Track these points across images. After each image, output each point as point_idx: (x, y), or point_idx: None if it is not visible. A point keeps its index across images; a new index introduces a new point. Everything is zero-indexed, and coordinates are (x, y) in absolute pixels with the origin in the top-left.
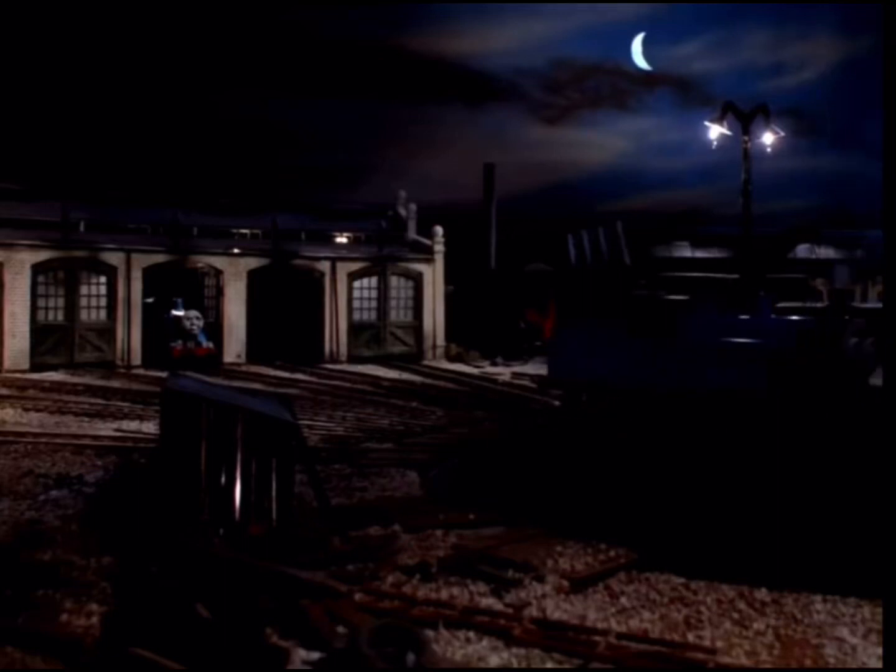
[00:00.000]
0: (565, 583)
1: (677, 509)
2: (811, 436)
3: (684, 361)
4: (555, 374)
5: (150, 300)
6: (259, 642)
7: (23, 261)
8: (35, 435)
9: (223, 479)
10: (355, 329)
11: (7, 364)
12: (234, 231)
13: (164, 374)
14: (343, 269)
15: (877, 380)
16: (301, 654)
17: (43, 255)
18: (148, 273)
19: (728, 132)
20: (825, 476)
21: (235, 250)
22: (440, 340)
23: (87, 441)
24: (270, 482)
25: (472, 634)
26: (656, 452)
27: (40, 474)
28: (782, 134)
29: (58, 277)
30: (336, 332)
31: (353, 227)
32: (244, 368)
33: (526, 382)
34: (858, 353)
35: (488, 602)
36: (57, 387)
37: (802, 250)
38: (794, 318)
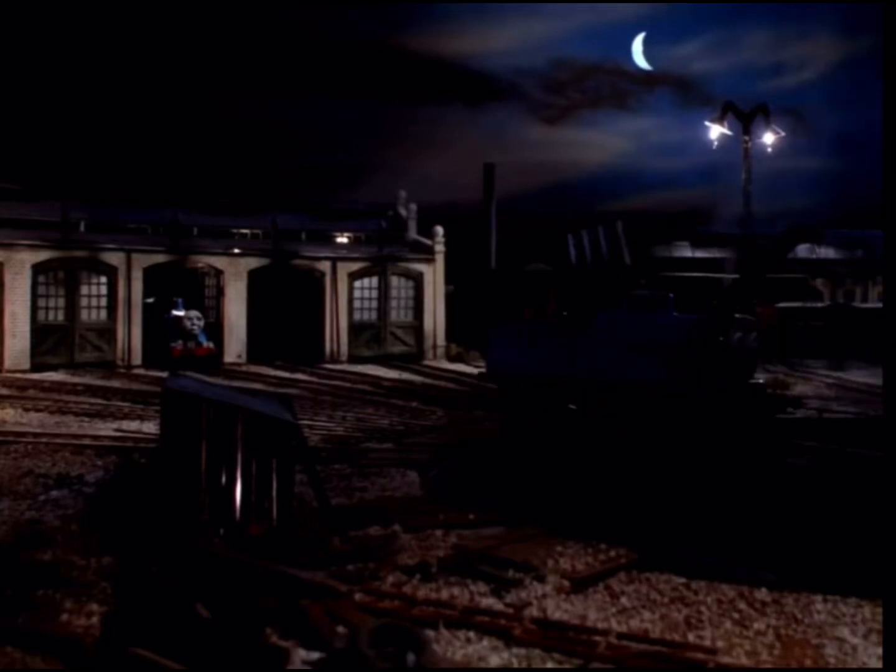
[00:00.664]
0: (566, 583)
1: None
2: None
3: (599, 356)
4: (491, 369)
5: (150, 300)
6: (259, 642)
7: (23, 261)
8: (35, 435)
9: (223, 479)
10: (355, 329)
11: (7, 364)
12: (235, 231)
13: (164, 374)
14: (343, 269)
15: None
16: (301, 654)
17: (43, 255)
18: (148, 273)
19: (728, 132)
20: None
21: (236, 250)
22: (440, 340)
23: (87, 441)
24: (270, 482)
25: (472, 634)
26: (653, 451)
27: (40, 474)
28: (782, 134)
29: (58, 277)
30: (336, 332)
31: (354, 227)
32: (244, 368)
33: None
34: (742, 346)
35: (488, 602)
36: (57, 387)
37: (802, 250)
38: (692, 316)
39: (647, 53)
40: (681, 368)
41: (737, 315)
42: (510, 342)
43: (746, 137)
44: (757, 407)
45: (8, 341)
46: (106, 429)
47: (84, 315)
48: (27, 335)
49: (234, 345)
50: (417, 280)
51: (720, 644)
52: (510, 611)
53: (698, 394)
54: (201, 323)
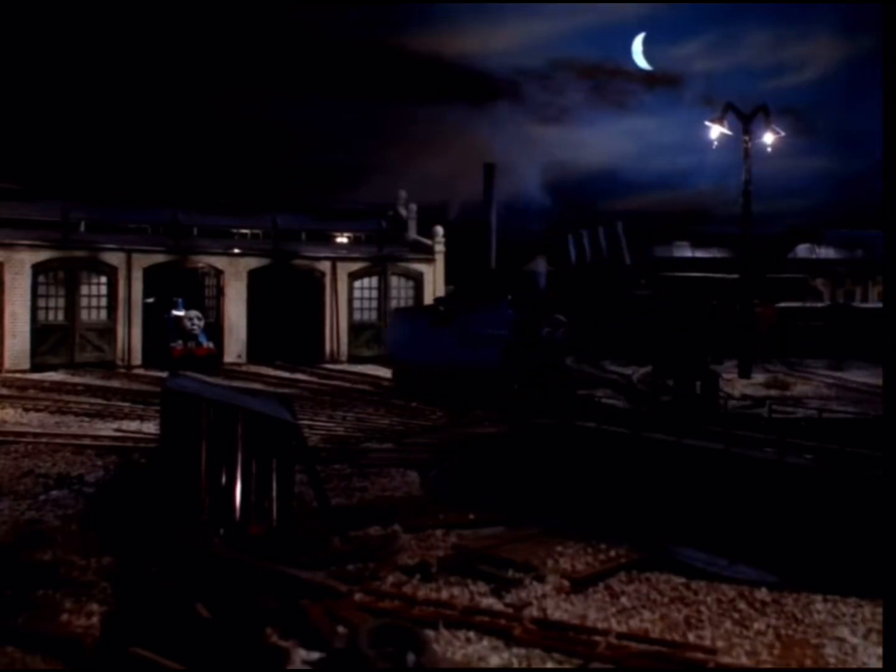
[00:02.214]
0: (566, 583)
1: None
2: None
3: (456, 345)
4: (388, 354)
5: (150, 300)
6: (259, 642)
7: (23, 261)
8: (35, 435)
9: (223, 479)
10: (355, 329)
11: (7, 364)
12: (235, 231)
13: (164, 374)
14: (343, 269)
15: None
16: (301, 654)
17: (43, 255)
18: (148, 273)
19: (728, 132)
20: None
21: (236, 250)
22: None
23: (87, 441)
24: (270, 482)
25: (472, 634)
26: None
27: (40, 474)
28: (782, 134)
29: (58, 277)
30: (336, 332)
31: (354, 227)
32: (244, 368)
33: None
34: (550, 338)
35: (488, 602)
36: (57, 387)
37: (802, 250)
38: (515, 314)
39: (647, 53)
40: (509, 356)
41: (552, 315)
42: (402, 331)
43: (746, 137)
44: (563, 384)
45: (8, 341)
46: (106, 429)
47: (84, 315)
48: (27, 335)
49: (234, 345)
50: (417, 280)
51: (720, 644)
52: (510, 611)
53: (520, 374)
54: (201, 323)
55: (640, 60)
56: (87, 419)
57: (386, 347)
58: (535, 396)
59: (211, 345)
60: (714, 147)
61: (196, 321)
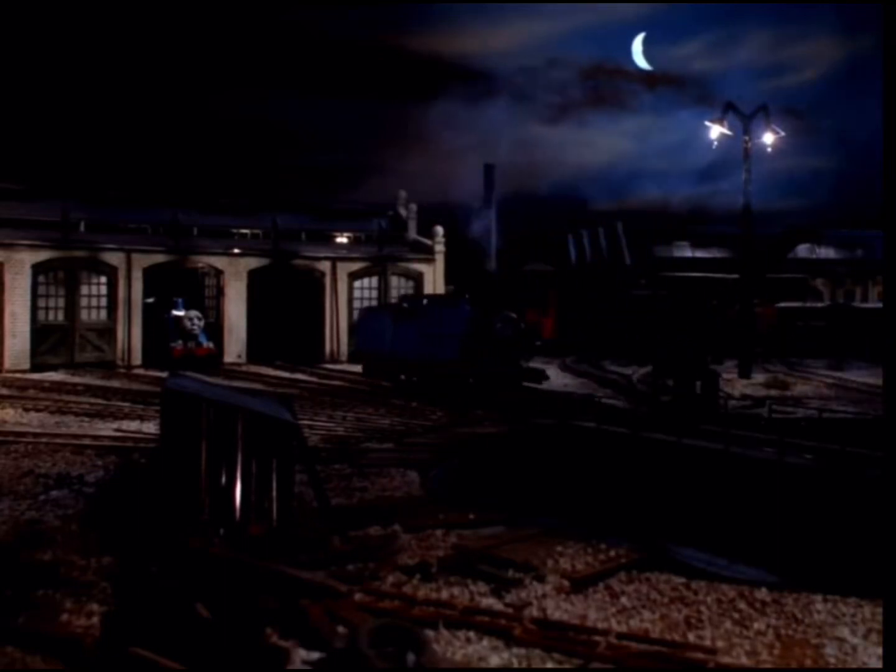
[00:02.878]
0: (566, 583)
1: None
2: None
3: (420, 339)
4: (357, 348)
5: (150, 300)
6: (259, 642)
7: (23, 261)
8: (35, 435)
9: (223, 479)
10: (356, 329)
11: (7, 364)
12: (234, 231)
13: (164, 374)
14: (343, 269)
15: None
16: (301, 654)
17: (43, 255)
18: (148, 273)
19: (728, 132)
20: None
21: (236, 250)
22: None
23: (87, 441)
24: (270, 482)
25: (472, 634)
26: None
27: (40, 474)
28: (782, 134)
29: (58, 277)
30: (336, 332)
31: (354, 227)
32: (244, 368)
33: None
34: (503, 333)
35: (488, 602)
36: (57, 387)
37: (802, 250)
38: (470, 310)
39: (647, 53)
40: (466, 349)
41: (504, 312)
42: (370, 328)
43: (746, 137)
44: (514, 375)
45: (8, 341)
46: (106, 429)
47: (84, 315)
48: (27, 335)
49: (234, 345)
50: (417, 280)
51: (720, 644)
52: (510, 611)
53: (476, 366)
54: (201, 323)
55: (640, 60)
56: (87, 419)
57: (355, 343)
58: (488, 386)
59: (211, 345)
60: (714, 147)
61: (196, 321)
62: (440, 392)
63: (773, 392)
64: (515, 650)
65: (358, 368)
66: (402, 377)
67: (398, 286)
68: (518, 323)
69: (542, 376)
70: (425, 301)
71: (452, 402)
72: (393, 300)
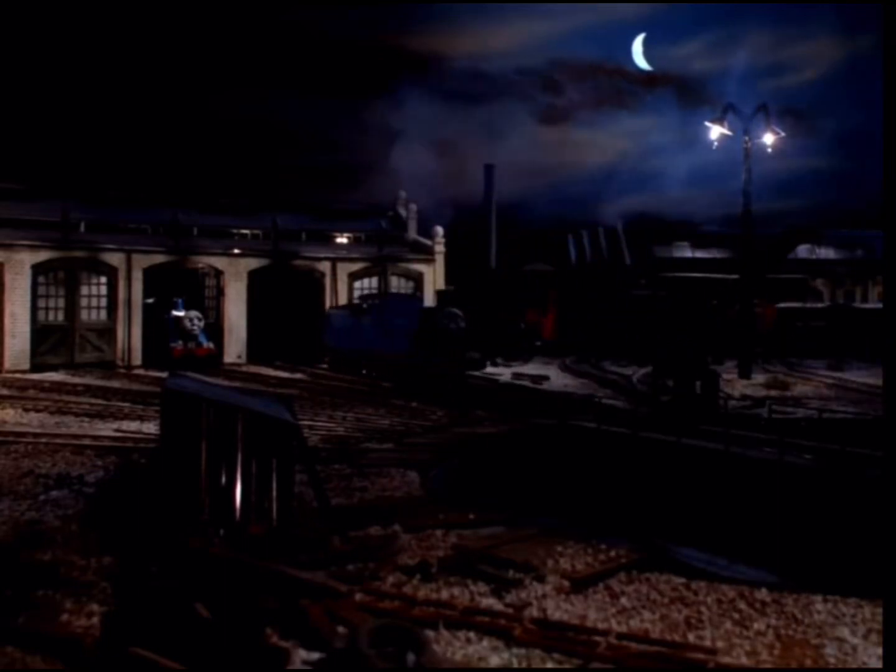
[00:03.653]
0: (566, 583)
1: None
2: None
3: (377, 335)
4: (326, 344)
5: (150, 300)
6: (259, 642)
7: (23, 261)
8: (35, 435)
9: (223, 479)
10: None
11: (7, 364)
12: (234, 231)
13: (164, 375)
14: (343, 269)
15: (473, 353)
16: (301, 654)
17: (43, 256)
18: (148, 273)
19: (728, 132)
20: None
21: (236, 250)
22: None
23: (87, 441)
24: (270, 482)
25: (472, 634)
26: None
27: (40, 474)
28: (782, 134)
29: (58, 278)
30: None
31: (354, 228)
32: (244, 368)
33: (526, 382)
34: (447, 327)
35: (489, 602)
36: (57, 387)
37: (802, 250)
38: (422, 307)
39: (647, 53)
40: (416, 342)
41: (449, 309)
42: (334, 325)
43: (746, 138)
44: (458, 366)
45: (8, 341)
46: (106, 429)
47: (84, 315)
48: (27, 335)
49: (234, 345)
50: (417, 280)
51: (720, 644)
52: (510, 611)
53: (425, 357)
54: (201, 323)
55: (640, 60)
56: (87, 419)
57: (323, 340)
58: (434, 374)
59: (211, 345)
60: (714, 147)
61: (196, 321)
62: (394, 380)
63: (773, 392)
64: (515, 650)
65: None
66: (364, 371)
67: (398, 286)
68: (462, 318)
69: (481, 365)
70: (382, 300)
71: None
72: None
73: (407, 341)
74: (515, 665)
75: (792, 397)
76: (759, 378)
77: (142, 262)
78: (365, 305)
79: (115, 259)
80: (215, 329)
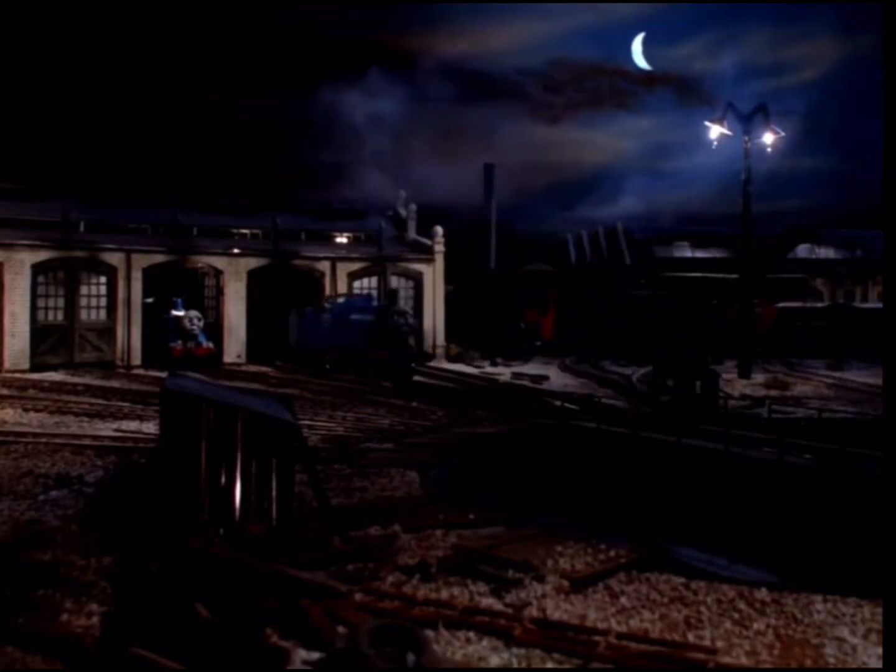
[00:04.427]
0: (565, 583)
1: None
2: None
3: (337, 330)
4: (295, 343)
5: (150, 300)
6: (259, 642)
7: (23, 261)
8: (35, 435)
9: (223, 479)
10: None
11: (7, 364)
12: (234, 231)
13: (164, 374)
14: (343, 269)
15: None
16: (301, 654)
17: (43, 255)
18: (148, 273)
19: (728, 132)
20: None
21: (235, 250)
22: (440, 340)
23: (87, 441)
24: (270, 482)
25: (472, 634)
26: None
27: (40, 474)
28: (782, 134)
29: (58, 277)
30: None
31: (353, 227)
32: (244, 368)
33: (526, 383)
34: (396, 323)
35: (488, 602)
36: (57, 387)
37: (802, 250)
38: (375, 305)
39: (647, 53)
40: (371, 338)
41: (399, 307)
42: (298, 325)
43: (746, 137)
44: (405, 359)
45: (8, 341)
46: (106, 429)
47: (84, 315)
48: (27, 335)
49: (234, 345)
50: (417, 280)
51: (720, 644)
52: (510, 611)
53: (377, 351)
54: (201, 323)
55: (640, 60)
56: (86, 419)
57: (288, 340)
58: (384, 365)
59: (211, 345)
60: (714, 147)
61: (196, 321)
62: (351, 371)
63: (773, 392)
64: (515, 650)
65: None
66: (327, 366)
67: (398, 286)
68: (411, 315)
69: (428, 358)
70: (341, 300)
71: (453, 402)
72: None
73: (362, 336)
74: (515, 665)
75: (792, 397)
76: (758, 378)
77: (141, 261)
78: (328, 305)
79: (114, 259)
80: (215, 329)
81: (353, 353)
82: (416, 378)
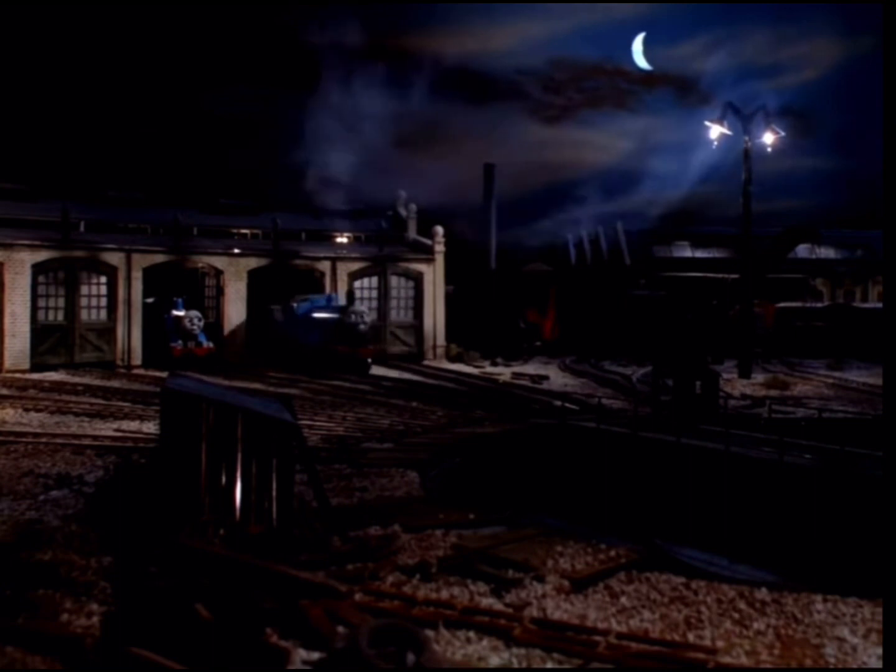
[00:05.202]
0: (566, 583)
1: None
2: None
3: (303, 328)
4: (273, 340)
5: (150, 300)
6: (259, 642)
7: (23, 261)
8: (35, 435)
9: (223, 479)
10: None
11: (7, 364)
12: (234, 231)
13: (164, 374)
14: (343, 269)
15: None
16: (301, 654)
17: (43, 255)
18: (148, 273)
19: (728, 132)
20: None
21: (235, 250)
22: (440, 340)
23: (87, 441)
24: (270, 482)
25: (472, 634)
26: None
27: (40, 474)
28: (782, 134)
29: (58, 277)
30: None
31: (354, 227)
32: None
33: (526, 382)
34: (353, 322)
35: (488, 602)
36: (57, 387)
37: (802, 250)
38: (336, 306)
39: (647, 53)
40: (329, 336)
41: (355, 307)
42: (270, 323)
43: (746, 137)
44: (359, 353)
45: (8, 341)
46: (106, 429)
47: (84, 315)
48: (27, 335)
49: (234, 345)
50: (417, 280)
51: (720, 644)
52: (510, 611)
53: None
54: (201, 323)
55: (640, 60)
56: (87, 419)
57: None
58: (340, 361)
59: (211, 345)
60: (714, 147)
61: (196, 321)
62: (312, 366)
63: (773, 392)
64: (515, 650)
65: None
66: (296, 362)
67: (398, 286)
68: (367, 314)
69: (384, 355)
70: (305, 301)
71: (453, 402)
72: (393, 300)
73: (321, 335)
74: (515, 665)
75: (792, 397)
76: (758, 378)
77: (141, 261)
78: (294, 305)
79: (114, 259)
80: (215, 329)
81: (319, 349)
82: (373, 372)
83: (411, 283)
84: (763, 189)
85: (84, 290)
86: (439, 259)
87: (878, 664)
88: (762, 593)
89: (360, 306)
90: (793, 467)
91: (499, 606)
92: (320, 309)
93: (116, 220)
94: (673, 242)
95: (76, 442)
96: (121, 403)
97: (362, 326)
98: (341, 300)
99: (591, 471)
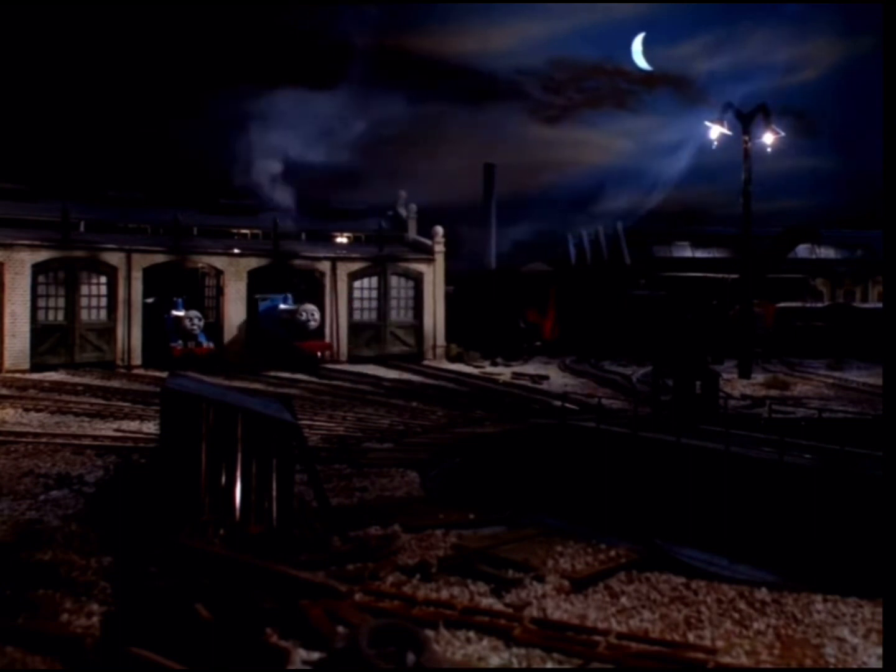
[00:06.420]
0: (566, 583)
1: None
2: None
3: (273, 323)
4: (258, 334)
5: (150, 300)
6: (259, 642)
7: (23, 261)
8: (35, 435)
9: (223, 479)
10: (355, 329)
11: (7, 364)
12: (234, 231)
13: (164, 374)
14: (343, 269)
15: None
16: (301, 654)
17: (43, 255)
18: (148, 273)
19: (728, 132)
20: None
21: (236, 250)
22: (440, 340)
23: (87, 441)
24: (270, 482)
25: (472, 634)
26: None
27: (40, 474)
28: (782, 134)
29: (58, 277)
30: (336, 332)
31: (354, 227)
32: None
33: (526, 382)
34: (303, 319)
35: (488, 602)
36: (57, 387)
37: (802, 250)
38: (290, 305)
39: (647, 53)
40: (289, 329)
41: (307, 305)
42: (262, 316)
43: (746, 137)
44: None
45: (8, 341)
46: (106, 429)
47: (84, 315)
48: (27, 335)
49: (234, 345)
50: (417, 280)
51: (720, 644)
52: (510, 611)
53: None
54: (201, 323)
55: (640, 60)
56: (87, 419)
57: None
58: (298, 354)
59: (211, 344)
60: (714, 147)
61: (196, 321)
62: (278, 358)
63: (773, 392)
64: (515, 650)
65: (359, 368)
66: (270, 352)
67: (398, 286)
68: (317, 312)
69: (333, 354)
70: (275, 298)
71: (453, 402)
72: (393, 300)
73: (283, 330)
74: (515, 665)
75: (792, 397)
76: (758, 378)
77: (141, 261)
78: (270, 303)
79: (114, 259)
80: (215, 329)
81: (279, 343)
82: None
83: (411, 284)
84: (763, 189)
85: (84, 290)
86: (439, 259)
87: (878, 664)
88: (762, 593)
89: (309, 305)
90: (793, 467)
91: (499, 606)
92: (280, 307)
93: (116, 220)
94: (673, 242)
95: (76, 442)
96: (121, 403)
97: (312, 325)
98: (288, 300)
99: (591, 471)
